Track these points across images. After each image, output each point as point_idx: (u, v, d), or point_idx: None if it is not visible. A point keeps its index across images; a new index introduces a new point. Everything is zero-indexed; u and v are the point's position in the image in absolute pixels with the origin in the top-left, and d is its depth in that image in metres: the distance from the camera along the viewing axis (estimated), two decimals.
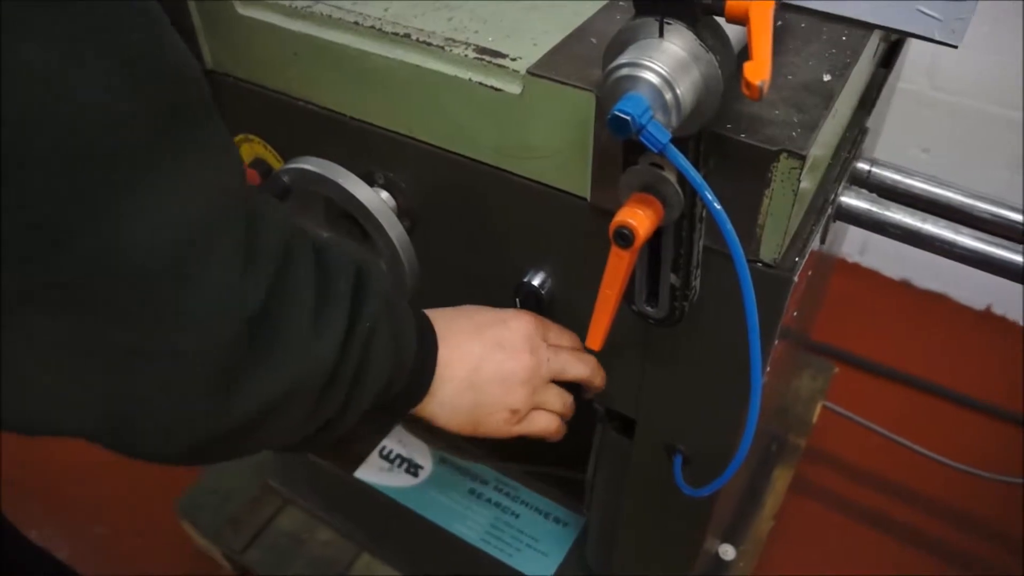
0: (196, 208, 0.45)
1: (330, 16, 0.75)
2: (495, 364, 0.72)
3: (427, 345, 0.70)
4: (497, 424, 0.74)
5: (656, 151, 0.52)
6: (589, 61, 0.65)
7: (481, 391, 0.72)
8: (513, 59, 0.68)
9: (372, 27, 0.73)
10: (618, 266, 0.60)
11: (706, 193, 0.53)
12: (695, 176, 0.53)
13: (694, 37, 0.53)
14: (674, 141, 0.54)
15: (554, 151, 0.68)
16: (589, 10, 0.74)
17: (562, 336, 0.78)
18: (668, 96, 0.52)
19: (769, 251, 0.64)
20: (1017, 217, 0.77)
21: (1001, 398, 1.66)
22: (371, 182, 0.81)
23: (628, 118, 0.50)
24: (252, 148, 0.90)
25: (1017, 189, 1.65)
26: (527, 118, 0.67)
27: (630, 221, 0.58)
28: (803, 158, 0.58)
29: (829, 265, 1.26)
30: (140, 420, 0.48)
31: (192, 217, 0.45)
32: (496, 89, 0.68)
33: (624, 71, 0.53)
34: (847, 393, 1.61)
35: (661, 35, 0.54)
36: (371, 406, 0.62)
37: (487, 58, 0.68)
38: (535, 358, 0.74)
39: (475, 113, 0.70)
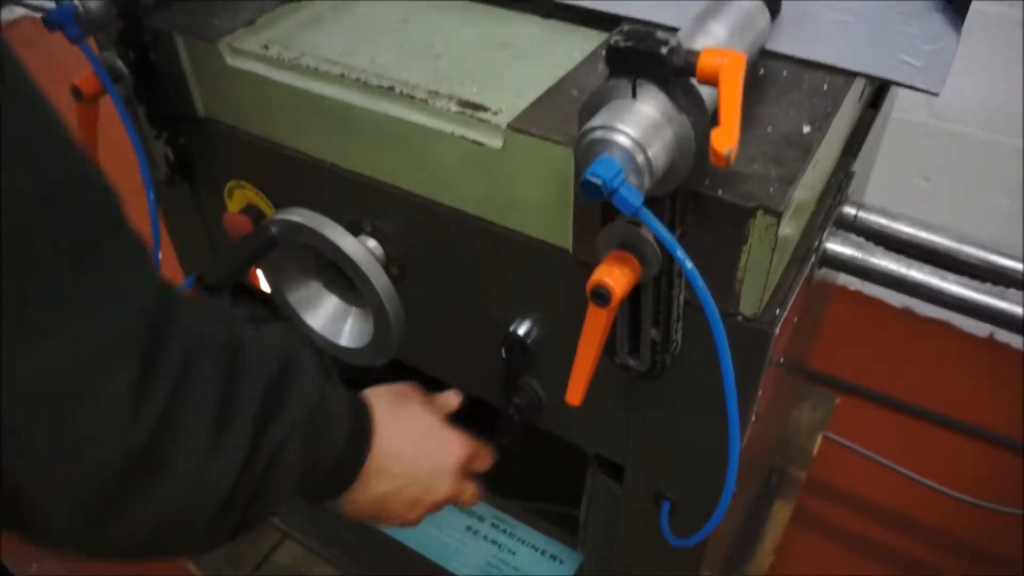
0: (83, 340, 0.43)
1: (316, 69, 0.75)
2: (415, 491, 0.75)
3: (356, 449, 0.69)
4: (388, 522, 0.77)
5: (629, 214, 0.51)
6: (570, 115, 0.65)
7: (391, 505, 0.74)
8: (495, 112, 0.68)
9: (357, 79, 0.73)
10: (596, 324, 0.60)
11: (678, 253, 0.53)
12: (668, 237, 0.53)
13: (666, 98, 0.53)
14: (650, 200, 0.54)
15: (536, 204, 0.68)
16: (574, 61, 0.75)
17: (485, 461, 0.83)
18: (640, 158, 0.52)
19: (749, 305, 0.64)
20: (1004, 262, 0.76)
21: (1005, 427, 1.64)
22: (359, 230, 0.81)
23: (599, 182, 0.50)
24: (244, 194, 0.90)
25: (1017, 218, 1.63)
26: (509, 171, 0.68)
27: (607, 280, 0.57)
28: (780, 214, 0.58)
29: (827, 294, 1.25)
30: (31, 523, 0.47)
31: (78, 349, 0.43)
32: (478, 143, 0.68)
33: (597, 134, 0.53)
34: (848, 422, 1.59)
35: (634, 96, 0.54)
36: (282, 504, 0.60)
37: (469, 111, 0.68)
38: (452, 490, 0.79)
39: (458, 166, 0.70)
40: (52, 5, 0.78)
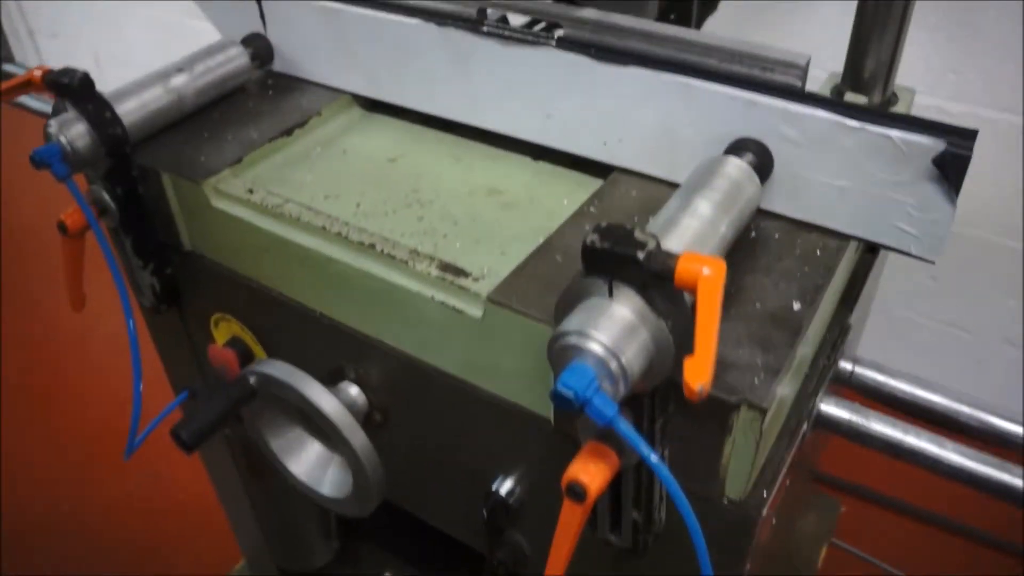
0: None
1: (298, 218, 0.74)
2: None
3: None
4: None
5: (601, 424, 0.49)
6: (552, 285, 0.63)
7: None
8: (475, 279, 0.66)
9: (339, 233, 0.71)
10: (572, 517, 0.57)
11: (651, 458, 0.50)
12: (641, 447, 0.50)
13: (643, 302, 0.51)
14: (628, 397, 0.52)
15: (517, 373, 0.66)
16: (561, 212, 0.73)
17: None
18: (614, 365, 0.49)
19: (735, 489, 0.60)
20: (1004, 426, 0.73)
21: (1007, 533, 1.58)
22: (342, 376, 0.79)
23: (571, 394, 0.48)
24: (229, 326, 0.88)
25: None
26: (489, 340, 0.65)
27: (582, 478, 0.54)
28: (764, 410, 0.55)
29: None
30: None
31: None
32: (458, 310, 0.65)
33: (570, 339, 0.50)
34: (854, 527, 1.54)
35: (610, 294, 0.52)
36: None
37: (450, 276, 0.66)
38: None
39: (439, 328, 0.68)
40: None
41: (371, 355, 0.76)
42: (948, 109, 1.51)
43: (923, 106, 1.51)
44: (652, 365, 0.52)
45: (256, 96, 0.91)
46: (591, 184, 0.77)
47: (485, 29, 0.81)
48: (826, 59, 1.57)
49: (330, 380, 0.80)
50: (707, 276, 0.48)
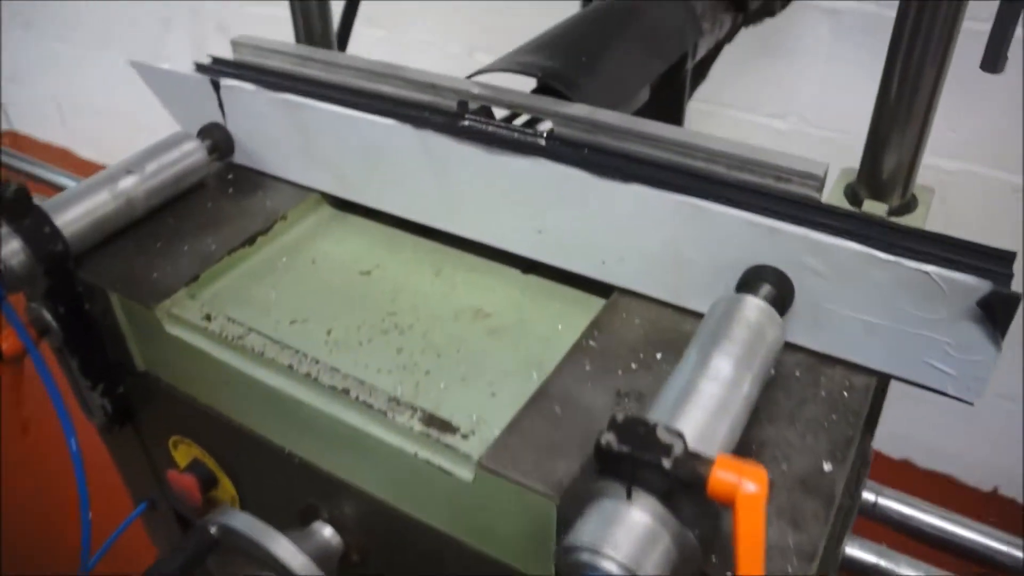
0: None
1: (262, 353, 0.65)
2: None
3: None
4: None
5: None
6: (551, 447, 0.55)
7: None
8: (464, 435, 0.57)
9: (307, 374, 0.63)
10: None
11: None
12: None
13: (667, 511, 0.43)
14: None
15: (513, 537, 0.57)
16: (556, 339, 0.65)
17: None
18: None
19: None
20: None
21: None
22: (315, 515, 0.70)
23: None
24: (188, 450, 0.79)
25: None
26: (481, 504, 0.57)
27: None
28: None
29: None
30: None
31: None
32: (445, 471, 0.57)
33: (582, 556, 0.42)
34: None
35: (629, 496, 0.44)
36: None
37: (435, 432, 0.58)
38: None
39: (423, 484, 0.59)
40: None
41: (345, 496, 0.67)
42: (944, 167, 1.45)
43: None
44: (675, 571, 0.44)
45: (215, 194, 0.82)
46: (587, 303, 0.69)
47: (466, 122, 0.73)
48: (803, 107, 1.52)
49: (301, 519, 0.71)
50: (749, 494, 0.40)
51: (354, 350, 0.66)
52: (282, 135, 0.79)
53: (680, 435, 0.42)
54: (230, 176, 0.84)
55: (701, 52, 1.00)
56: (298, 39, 0.96)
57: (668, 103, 0.98)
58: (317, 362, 0.64)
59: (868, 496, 0.70)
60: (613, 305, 0.67)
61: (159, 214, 0.79)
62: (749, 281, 0.60)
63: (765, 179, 0.66)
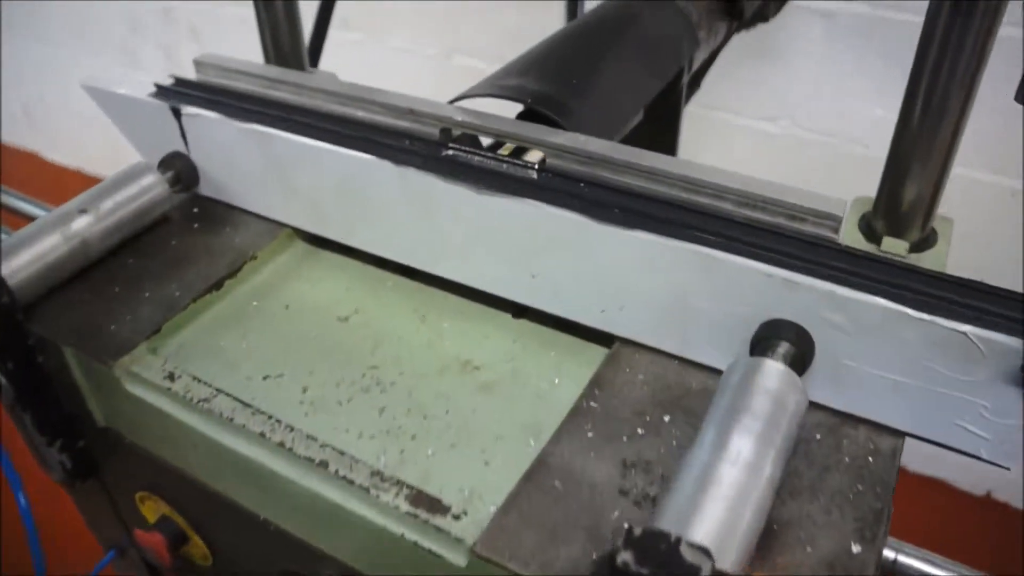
0: None
1: (231, 419, 0.58)
2: None
3: None
4: None
5: None
6: (552, 530, 0.49)
7: None
8: (456, 515, 0.51)
9: (281, 443, 0.56)
10: None
11: None
12: None
13: None
14: None
15: None
16: (552, 396, 0.59)
17: None
18: None
19: None
20: None
21: None
22: None
23: None
24: (156, 506, 0.73)
25: None
26: None
27: None
28: None
29: None
30: None
31: None
32: (435, 554, 0.51)
33: None
34: None
35: None
36: None
37: (423, 512, 0.51)
38: None
39: (412, 566, 0.53)
40: None
41: (328, 567, 0.61)
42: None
43: (878, 159, 1.40)
44: None
45: (179, 230, 0.75)
46: (585, 352, 0.63)
47: (450, 151, 0.67)
48: (795, 110, 1.46)
49: None
50: None
51: (333, 411, 0.60)
52: (250, 167, 0.73)
53: (708, 553, 0.36)
54: (195, 210, 0.77)
55: (697, 63, 0.94)
56: (265, 51, 0.88)
57: (663, 120, 0.91)
58: (292, 429, 0.57)
59: (887, 554, 0.65)
60: (614, 359, 0.61)
61: (118, 255, 0.72)
62: (765, 338, 0.54)
63: (777, 218, 0.60)
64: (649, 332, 0.60)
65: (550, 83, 0.71)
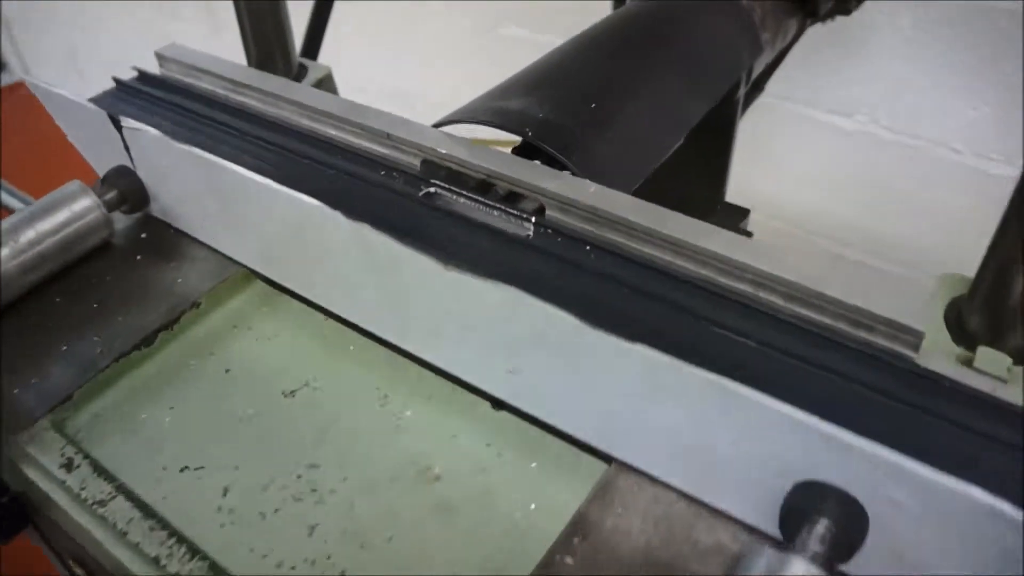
0: None
1: (124, 533, 0.46)
2: None
3: None
4: None
5: None
6: None
7: None
8: None
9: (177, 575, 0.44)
10: None
11: None
12: None
13: None
14: None
15: None
16: (526, 530, 0.45)
17: None
18: None
19: None
20: None
21: None
22: None
23: None
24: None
25: None
26: None
27: None
28: None
29: None
30: None
31: None
32: None
33: None
34: None
35: None
36: None
37: None
38: None
39: None
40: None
41: None
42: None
43: (970, 167, 1.19)
44: None
45: (119, 261, 0.62)
46: (575, 467, 0.49)
47: (431, 189, 0.53)
48: (874, 106, 1.26)
49: None
50: None
51: (254, 525, 0.47)
52: (197, 194, 0.59)
53: None
54: (143, 235, 0.65)
55: (758, 70, 0.76)
56: (246, 45, 0.74)
57: (711, 140, 0.75)
58: (195, 554, 0.45)
59: None
60: (606, 491, 0.46)
61: (42, 292, 0.60)
62: (799, 511, 0.39)
63: (837, 321, 0.44)
64: (653, 461, 0.46)
65: (559, 109, 0.55)
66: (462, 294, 0.46)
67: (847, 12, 0.86)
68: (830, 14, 0.84)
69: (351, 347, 0.57)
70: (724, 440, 0.41)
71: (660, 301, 0.46)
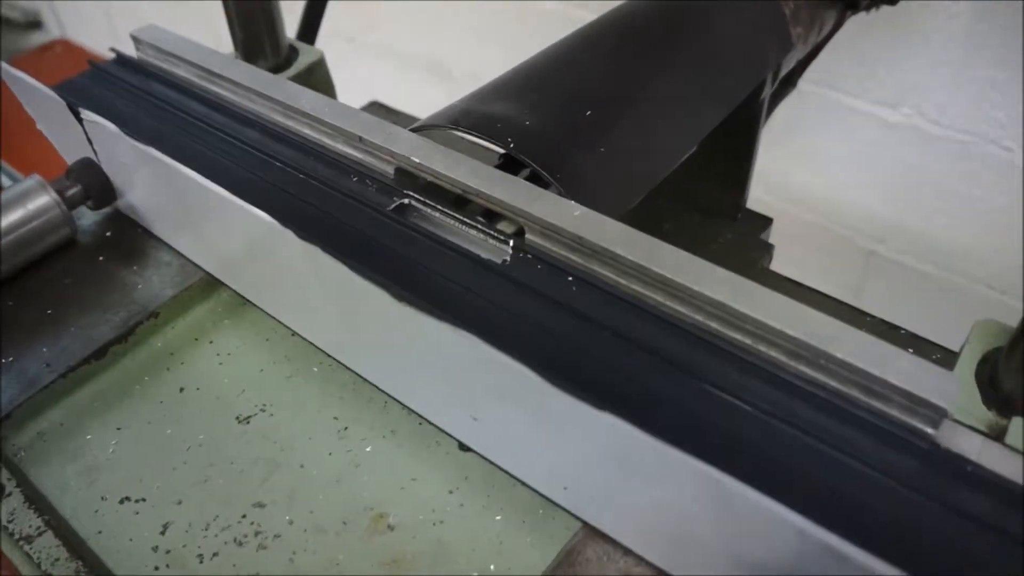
0: None
1: (48, 574, 0.42)
2: None
3: None
4: None
5: None
6: None
7: None
8: None
9: None
10: None
11: None
12: None
13: None
14: None
15: None
16: None
17: None
18: None
19: None
20: None
21: None
22: None
23: None
24: None
25: None
26: None
27: None
28: None
29: None
30: None
31: None
32: None
33: None
34: None
35: None
36: None
37: None
38: None
39: None
40: None
41: None
42: None
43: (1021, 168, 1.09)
44: None
45: (81, 262, 0.58)
46: (542, 523, 0.43)
47: (405, 200, 0.47)
48: (923, 98, 1.16)
49: None
50: None
51: (190, 569, 0.43)
52: (159, 195, 0.54)
53: None
54: (109, 233, 0.60)
55: (788, 67, 0.68)
56: (231, 25, 0.69)
57: (730, 147, 0.67)
58: None
59: None
60: (573, 558, 0.41)
61: None
62: None
63: (848, 387, 0.38)
64: (625, 532, 0.40)
65: (549, 116, 0.49)
66: (416, 333, 0.40)
67: (893, 1, 0.77)
68: (873, 4, 0.76)
69: (315, 368, 0.52)
70: (708, 528, 0.35)
71: (645, 351, 0.40)
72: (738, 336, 0.40)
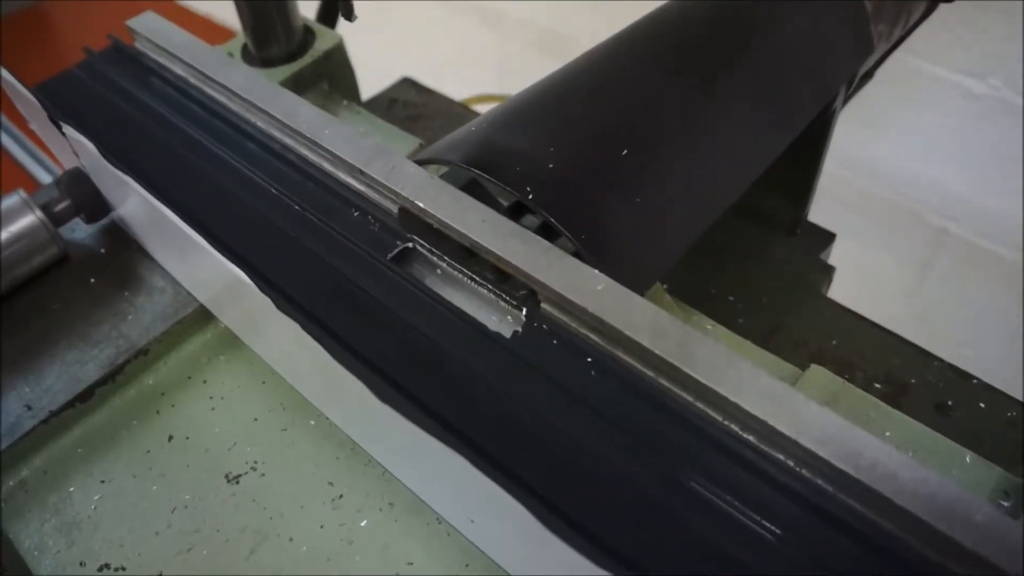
0: None
1: None
2: None
3: None
4: None
5: None
6: None
7: None
8: None
9: None
10: None
11: None
12: None
13: None
14: None
15: None
16: None
17: None
18: None
19: None
20: None
21: None
22: None
23: None
24: None
25: None
26: None
27: None
28: None
29: None
30: None
31: None
32: None
33: None
34: None
35: None
36: None
37: None
38: None
39: None
40: None
41: None
42: None
43: None
44: None
45: (71, 284, 0.53)
46: None
47: (409, 244, 0.41)
48: (1012, 70, 1.03)
49: None
50: None
51: None
52: (142, 222, 0.49)
53: None
54: (102, 250, 0.55)
55: (866, 68, 0.59)
56: (237, 3, 0.62)
57: (794, 158, 0.58)
58: None
59: None
60: None
61: None
62: None
63: (907, 534, 0.31)
64: None
65: (578, 156, 0.41)
66: (403, 433, 0.35)
67: None
68: None
69: (312, 421, 0.47)
70: None
71: (669, 467, 0.33)
72: (780, 456, 0.33)
